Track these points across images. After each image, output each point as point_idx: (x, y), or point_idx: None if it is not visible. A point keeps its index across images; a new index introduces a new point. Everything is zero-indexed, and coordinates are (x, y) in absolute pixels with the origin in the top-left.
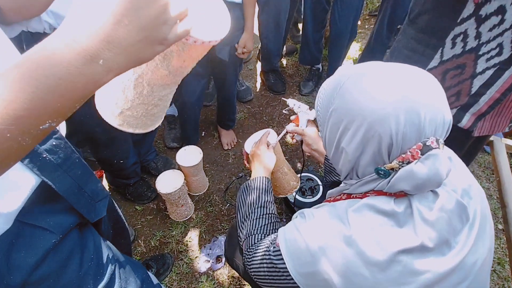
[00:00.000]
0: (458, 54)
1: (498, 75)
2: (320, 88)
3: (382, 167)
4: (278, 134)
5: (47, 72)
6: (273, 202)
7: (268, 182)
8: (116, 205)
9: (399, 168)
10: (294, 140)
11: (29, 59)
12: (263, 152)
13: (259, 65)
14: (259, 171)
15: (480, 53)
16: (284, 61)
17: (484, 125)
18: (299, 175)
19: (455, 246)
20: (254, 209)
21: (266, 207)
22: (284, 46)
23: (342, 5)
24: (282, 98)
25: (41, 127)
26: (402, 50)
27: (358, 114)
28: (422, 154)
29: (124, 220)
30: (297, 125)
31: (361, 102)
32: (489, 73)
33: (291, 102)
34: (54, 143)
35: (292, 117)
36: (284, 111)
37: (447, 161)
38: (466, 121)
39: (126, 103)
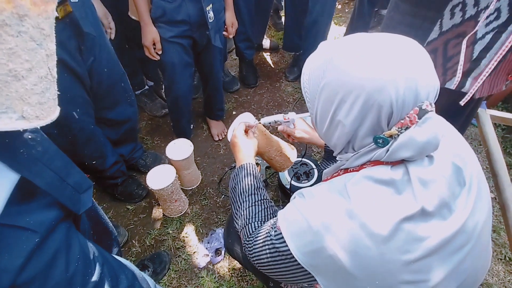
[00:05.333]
0: (458, 24)
1: (497, 38)
2: (305, 66)
3: (381, 135)
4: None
5: None
6: (262, 187)
7: (253, 168)
8: (96, 204)
9: (398, 135)
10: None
11: None
12: (240, 139)
13: None
14: (242, 158)
15: (479, 19)
16: (268, 47)
17: (484, 87)
18: (300, 159)
19: (455, 210)
20: (245, 197)
21: (257, 194)
22: (268, 40)
23: None
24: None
25: None
26: (397, 27)
27: (355, 85)
28: (419, 118)
29: (107, 220)
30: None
31: (357, 72)
32: (489, 37)
33: (267, 120)
34: (29, 136)
35: (280, 127)
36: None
37: (441, 122)
38: (468, 86)
39: None
